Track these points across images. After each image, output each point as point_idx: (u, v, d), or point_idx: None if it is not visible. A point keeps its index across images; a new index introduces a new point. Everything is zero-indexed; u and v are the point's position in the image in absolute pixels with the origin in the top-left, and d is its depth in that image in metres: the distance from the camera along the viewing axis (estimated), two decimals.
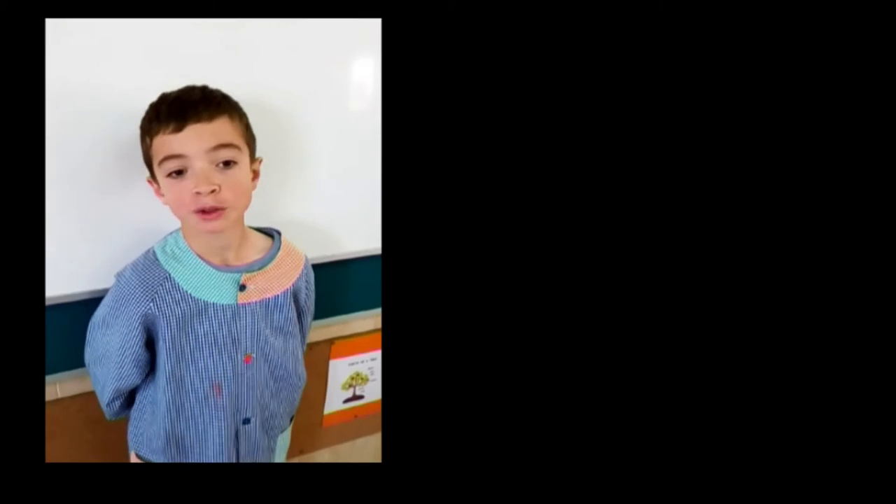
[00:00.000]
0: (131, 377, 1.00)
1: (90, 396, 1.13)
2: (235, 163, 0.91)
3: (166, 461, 1.05)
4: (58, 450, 1.12)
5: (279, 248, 1.07)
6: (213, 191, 0.88)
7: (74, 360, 1.08)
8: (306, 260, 1.13)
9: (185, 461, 1.07)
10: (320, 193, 1.25)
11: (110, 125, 0.96)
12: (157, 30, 0.95)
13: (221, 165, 0.90)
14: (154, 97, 0.94)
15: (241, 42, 1.04)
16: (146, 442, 1.07)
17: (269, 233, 1.10)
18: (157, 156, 0.89)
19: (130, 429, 1.09)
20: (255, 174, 0.98)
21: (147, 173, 0.95)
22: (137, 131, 0.93)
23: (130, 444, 1.10)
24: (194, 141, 0.87)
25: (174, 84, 0.93)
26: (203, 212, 0.90)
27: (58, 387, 1.09)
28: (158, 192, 0.95)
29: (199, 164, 0.88)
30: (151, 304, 0.95)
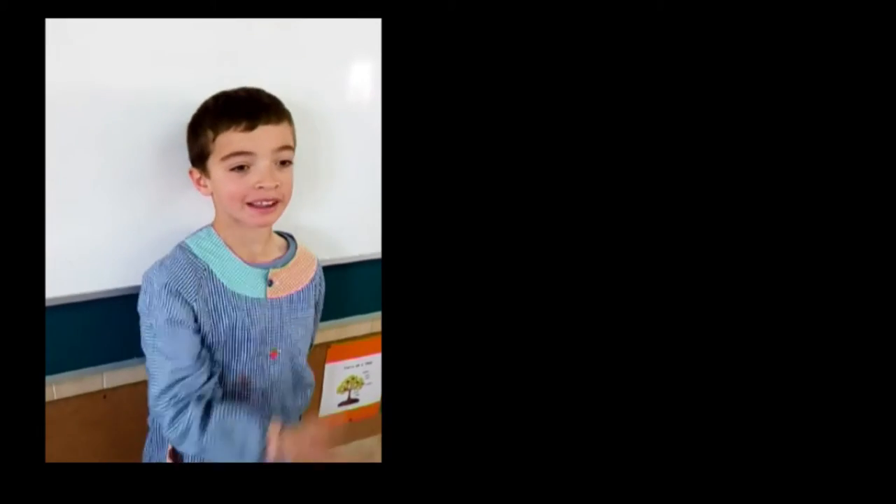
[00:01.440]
0: (183, 358, 0.97)
1: (87, 398, 1.12)
2: (290, 162, 1.00)
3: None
4: (53, 452, 1.10)
5: (296, 246, 1.13)
6: (276, 186, 0.96)
7: (70, 361, 1.08)
8: (317, 259, 1.18)
9: None
10: (324, 197, 1.26)
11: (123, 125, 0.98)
12: (159, 31, 0.96)
13: (280, 164, 0.97)
14: (153, 97, 0.97)
15: (243, 44, 1.04)
16: None
17: (283, 235, 1.15)
18: (221, 150, 0.94)
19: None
20: None
21: (183, 167, 1.00)
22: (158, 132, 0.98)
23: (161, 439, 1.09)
24: (264, 141, 0.94)
25: (177, 85, 0.95)
26: (253, 206, 0.96)
27: (54, 388, 1.09)
28: (199, 184, 1.00)
29: (264, 161, 0.95)
30: (198, 297, 0.98)
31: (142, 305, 0.99)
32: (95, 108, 0.95)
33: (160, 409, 0.97)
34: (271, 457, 0.95)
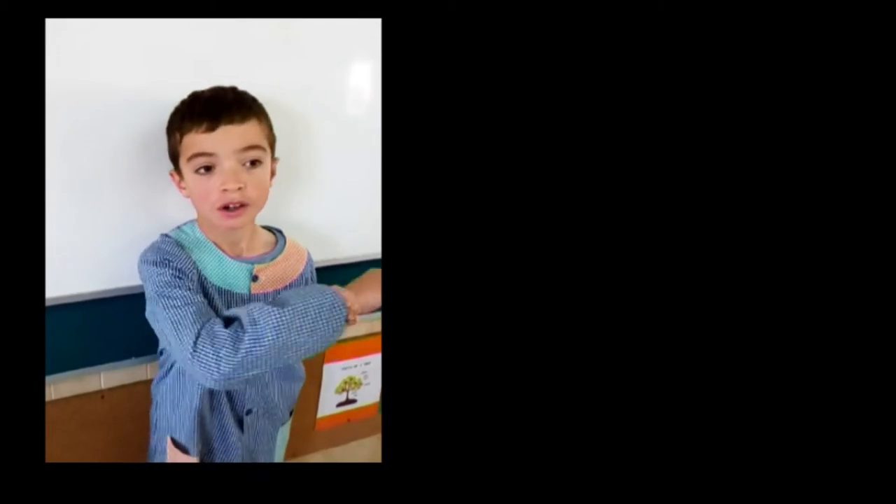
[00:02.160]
0: (199, 301, 0.91)
1: (85, 398, 1.13)
2: (261, 163, 0.95)
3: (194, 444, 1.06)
4: (52, 452, 1.11)
5: (285, 242, 1.11)
6: (239, 188, 0.92)
7: (69, 360, 1.08)
8: (308, 254, 1.16)
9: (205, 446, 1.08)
10: (319, 197, 1.26)
11: (125, 124, 0.98)
12: (158, 30, 0.96)
13: (248, 165, 0.93)
14: (150, 97, 0.96)
15: (242, 44, 1.04)
16: (175, 427, 1.06)
17: (271, 230, 1.13)
18: (186, 152, 0.92)
19: (159, 415, 1.09)
20: (273, 173, 1.02)
21: (170, 167, 0.98)
22: (153, 130, 0.97)
23: (162, 430, 1.09)
24: (225, 141, 0.90)
25: (175, 84, 0.94)
26: (226, 209, 0.93)
27: (52, 388, 1.09)
28: (180, 185, 0.98)
29: (228, 163, 0.91)
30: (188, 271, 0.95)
31: (146, 291, 0.94)
32: (95, 106, 0.95)
33: (205, 356, 0.83)
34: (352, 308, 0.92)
